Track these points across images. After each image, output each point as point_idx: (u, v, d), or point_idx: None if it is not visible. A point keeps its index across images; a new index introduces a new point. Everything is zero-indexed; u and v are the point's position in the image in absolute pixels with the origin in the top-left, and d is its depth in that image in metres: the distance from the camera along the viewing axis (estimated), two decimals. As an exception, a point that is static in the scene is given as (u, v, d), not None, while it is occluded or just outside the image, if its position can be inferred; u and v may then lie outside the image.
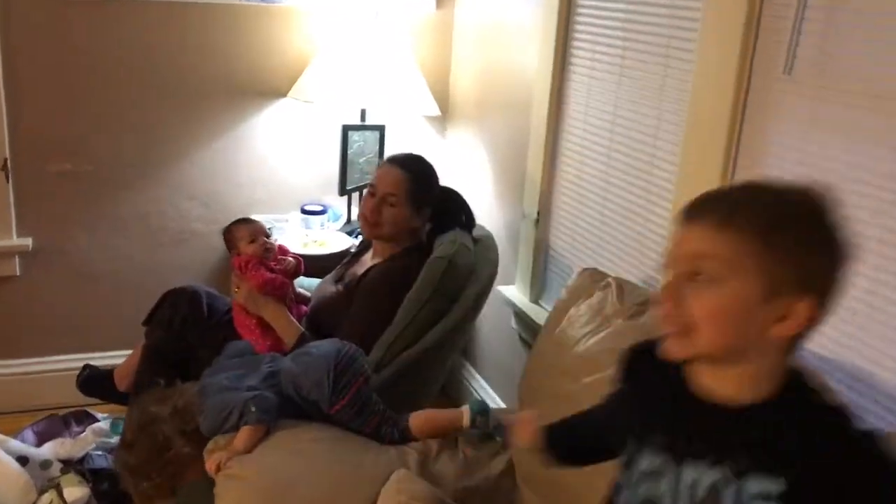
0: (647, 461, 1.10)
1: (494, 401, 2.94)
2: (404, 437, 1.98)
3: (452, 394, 3.16)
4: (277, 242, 2.53)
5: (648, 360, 1.13)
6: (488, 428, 1.97)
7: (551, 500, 1.78)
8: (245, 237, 2.43)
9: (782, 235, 0.98)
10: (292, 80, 3.02)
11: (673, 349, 1.03)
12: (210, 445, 1.88)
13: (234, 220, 2.55)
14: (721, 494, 1.01)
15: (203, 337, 2.42)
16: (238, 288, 2.38)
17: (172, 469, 1.94)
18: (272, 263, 2.43)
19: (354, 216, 3.22)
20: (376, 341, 2.26)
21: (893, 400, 1.47)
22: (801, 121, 1.63)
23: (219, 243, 3.09)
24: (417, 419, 2.02)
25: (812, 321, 0.99)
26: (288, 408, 1.94)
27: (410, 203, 2.38)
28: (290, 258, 2.51)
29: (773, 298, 0.97)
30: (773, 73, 1.68)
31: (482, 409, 1.99)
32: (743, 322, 0.99)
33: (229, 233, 2.48)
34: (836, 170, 1.56)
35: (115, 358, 2.84)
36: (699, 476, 1.03)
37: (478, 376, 3.13)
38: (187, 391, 2.01)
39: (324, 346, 2.02)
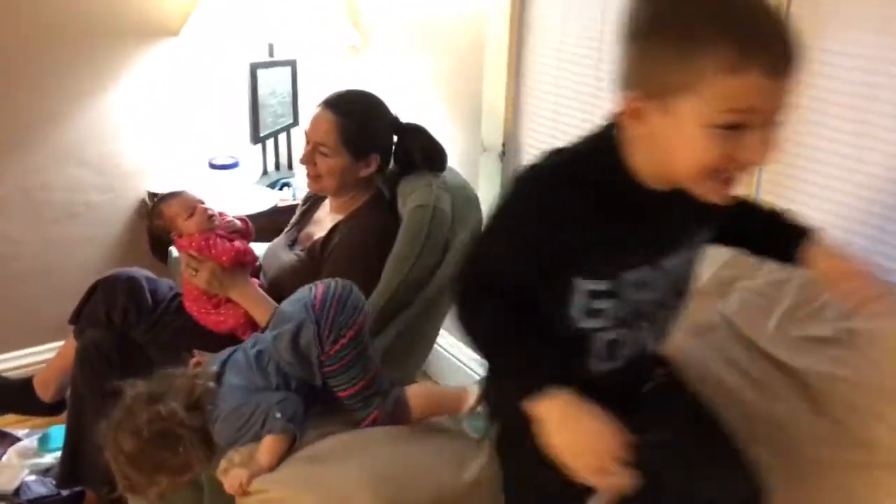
0: (631, 275, 1.20)
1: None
2: (395, 414, 1.70)
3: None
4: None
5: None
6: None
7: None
8: (180, 213, 2.08)
9: None
10: (184, 17, 2.63)
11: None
12: (223, 465, 1.60)
13: (157, 199, 2.19)
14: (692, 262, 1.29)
15: (152, 331, 2.08)
16: (196, 270, 2.03)
17: (178, 470, 1.61)
18: (221, 232, 2.10)
19: (272, 167, 2.91)
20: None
21: None
22: None
23: (120, 214, 2.76)
24: (418, 394, 1.76)
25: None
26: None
27: (348, 151, 2.09)
28: (235, 220, 2.18)
29: None
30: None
31: None
32: None
33: (159, 216, 2.11)
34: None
35: (17, 359, 2.56)
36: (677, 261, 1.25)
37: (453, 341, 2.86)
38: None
39: (300, 292, 1.73)
